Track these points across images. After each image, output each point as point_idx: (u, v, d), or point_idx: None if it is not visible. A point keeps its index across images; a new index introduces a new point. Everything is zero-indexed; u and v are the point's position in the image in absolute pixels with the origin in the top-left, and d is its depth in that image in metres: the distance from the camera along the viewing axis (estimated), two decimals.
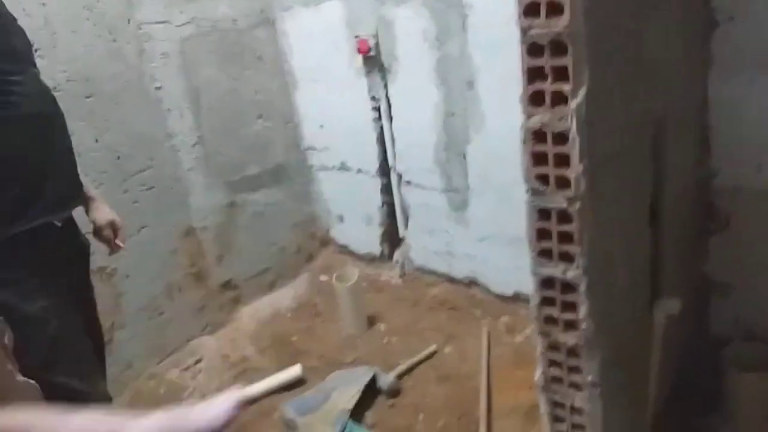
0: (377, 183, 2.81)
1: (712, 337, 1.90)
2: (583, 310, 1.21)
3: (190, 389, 2.44)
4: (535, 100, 1.11)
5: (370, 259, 3.06)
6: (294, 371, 2.36)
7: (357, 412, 2.11)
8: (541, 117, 1.11)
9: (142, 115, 2.40)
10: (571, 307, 1.24)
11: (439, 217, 2.61)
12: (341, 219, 3.10)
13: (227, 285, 2.80)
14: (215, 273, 2.75)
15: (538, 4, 1.03)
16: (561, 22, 1.01)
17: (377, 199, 2.84)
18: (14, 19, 1.41)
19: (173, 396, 2.40)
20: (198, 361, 2.60)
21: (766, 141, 1.64)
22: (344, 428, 2.01)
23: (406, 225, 2.83)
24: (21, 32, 1.43)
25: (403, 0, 2.32)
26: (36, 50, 2.06)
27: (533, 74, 1.10)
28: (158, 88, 2.44)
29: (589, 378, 1.27)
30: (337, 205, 3.09)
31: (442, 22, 2.23)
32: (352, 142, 2.82)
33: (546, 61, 1.06)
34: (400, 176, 2.71)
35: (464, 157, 2.38)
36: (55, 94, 2.10)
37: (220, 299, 2.78)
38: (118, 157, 2.35)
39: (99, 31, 2.21)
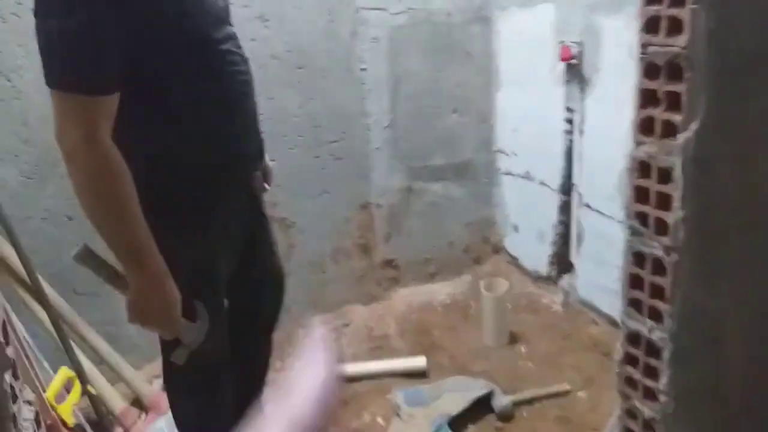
0: (556, 199, 2.65)
1: None
2: (664, 380, 1.03)
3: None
4: (645, 127, 0.97)
5: (536, 278, 2.92)
6: (419, 362, 2.39)
7: (461, 422, 2.07)
8: (649, 147, 0.96)
9: (344, 92, 2.63)
10: (653, 372, 1.06)
11: (612, 249, 2.37)
12: (516, 229, 3.00)
13: (389, 263, 2.94)
14: (381, 249, 2.90)
15: (659, 19, 0.89)
16: (679, 42, 0.86)
17: (553, 216, 2.69)
18: None
19: None
20: (345, 325, 2.79)
21: None
22: (439, 431, 1.99)
23: (578, 250, 2.63)
24: None
25: (617, 9, 2.13)
26: (266, 20, 2.42)
27: (647, 98, 0.96)
28: (363, 69, 2.64)
29: None
30: (514, 214, 3.00)
31: None
32: (539, 151, 2.70)
33: (661, 85, 0.92)
34: (580, 196, 2.52)
35: None
36: (273, 61, 2.47)
37: (380, 275, 2.93)
38: (316, 126, 2.61)
39: (320, 10, 2.48)
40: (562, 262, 2.76)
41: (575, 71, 2.39)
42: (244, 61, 1.40)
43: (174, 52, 1.19)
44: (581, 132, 2.44)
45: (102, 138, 1.08)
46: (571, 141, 2.52)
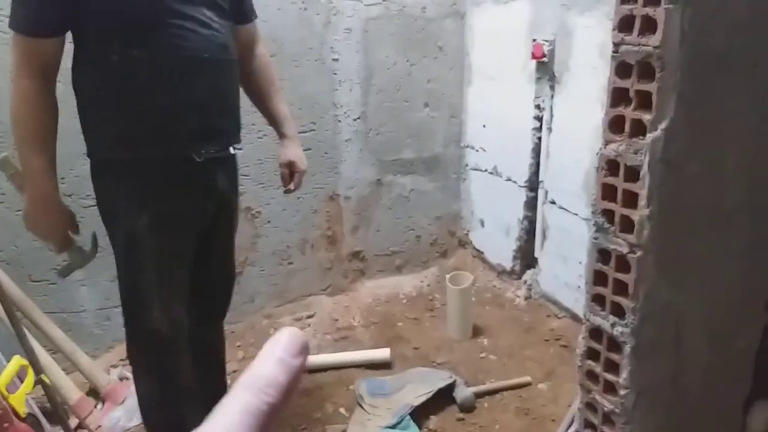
0: (523, 195, 2.69)
1: None
2: (624, 375, 1.05)
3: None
4: (615, 125, 0.98)
5: (500, 272, 2.95)
6: (382, 354, 2.40)
7: (422, 413, 2.09)
8: (618, 146, 0.98)
9: (315, 82, 2.60)
10: (614, 367, 1.08)
11: (575, 245, 2.42)
12: (482, 223, 3.03)
13: (356, 256, 2.93)
14: (348, 241, 2.89)
15: (633, 18, 0.90)
16: (652, 41, 0.87)
17: (519, 211, 2.72)
18: None
19: None
20: (310, 316, 2.77)
21: None
22: (400, 422, 2.00)
23: (542, 246, 2.67)
24: None
25: (589, 8, 2.17)
26: None
27: (618, 96, 0.97)
28: (335, 60, 2.62)
29: None
30: (481, 209, 3.03)
31: None
32: (508, 147, 2.73)
33: (632, 83, 0.93)
34: (546, 193, 2.56)
35: None
36: None
37: (346, 267, 2.92)
38: None
39: None
40: (527, 257, 2.80)
41: (546, 69, 2.42)
42: (207, 42, 1.44)
43: (116, 17, 1.32)
44: (549, 130, 2.48)
45: (28, 73, 1.30)
46: (539, 138, 2.56)
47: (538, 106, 2.52)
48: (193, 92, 1.45)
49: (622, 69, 0.94)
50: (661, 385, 1.10)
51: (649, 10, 0.87)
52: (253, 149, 2.48)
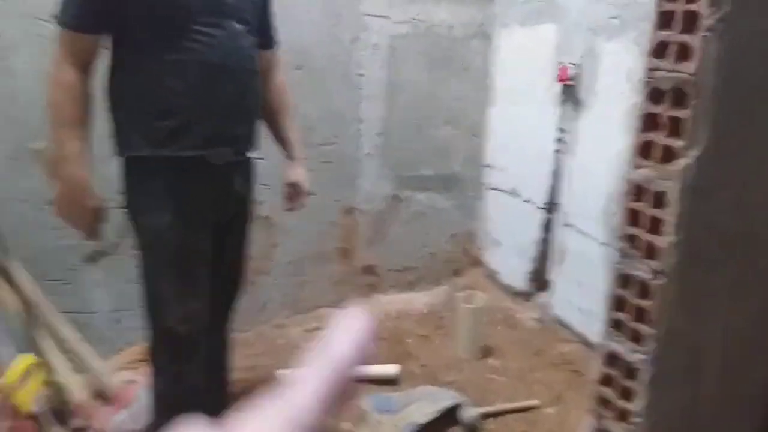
0: (540, 217, 2.68)
1: None
2: (639, 404, 1.04)
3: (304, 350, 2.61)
4: (644, 151, 0.98)
5: (514, 293, 2.93)
6: (391, 370, 2.38)
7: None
8: (647, 171, 0.97)
9: (340, 96, 2.62)
10: (628, 394, 1.07)
11: (592, 270, 2.40)
12: (498, 243, 3.02)
13: (369, 270, 2.93)
14: (362, 255, 2.89)
15: (668, 44, 0.91)
16: (687, 68, 0.87)
17: (535, 233, 2.71)
18: None
19: (288, 350, 2.60)
20: (320, 329, 2.77)
21: None
22: None
23: (557, 269, 2.65)
24: None
25: (615, 34, 2.17)
26: None
27: (649, 122, 0.97)
28: (361, 75, 2.64)
29: None
30: (497, 229, 3.02)
31: None
32: (528, 168, 2.73)
33: (665, 110, 0.93)
34: (564, 215, 2.55)
35: None
36: None
37: (359, 281, 2.92)
38: (308, 127, 2.59)
39: (325, 13, 2.47)
40: (540, 280, 2.78)
41: (571, 92, 2.42)
42: (233, 52, 1.53)
43: (150, 25, 1.41)
44: (572, 153, 2.47)
45: (66, 65, 1.40)
46: (560, 161, 2.55)
47: (561, 129, 2.52)
48: (216, 97, 1.52)
49: (654, 95, 0.94)
50: (676, 417, 1.08)
51: (685, 37, 0.87)
52: (275, 159, 2.49)
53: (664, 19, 0.91)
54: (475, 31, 2.85)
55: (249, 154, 1.72)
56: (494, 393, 2.32)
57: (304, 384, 0.28)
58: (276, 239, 2.68)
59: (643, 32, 2.03)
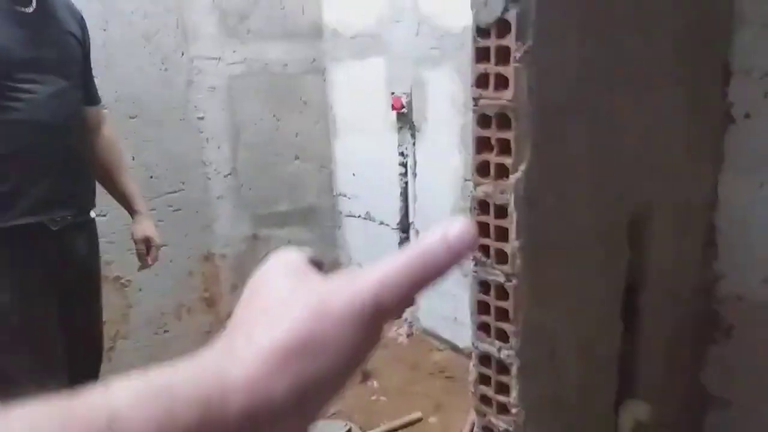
0: (396, 237, 2.81)
1: None
2: (513, 394, 1.15)
3: None
4: (482, 170, 1.10)
5: None
6: None
7: None
8: (486, 188, 1.09)
9: (181, 141, 2.56)
10: (504, 388, 1.18)
11: (448, 281, 2.56)
12: (361, 268, 3.11)
13: None
14: (227, 301, 2.82)
15: (488, 76, 1.04)
16: (505, 96, 1.01)
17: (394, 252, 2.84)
18: (68, 33, 1.53)
19: None
20: None
21: None
22: None
23: None
24: (67, 46, 1.53)
25: (437, 63, 2.38)
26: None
27: (481, 144, 1.09)
28: (200, 118, 2.60)
29: None
30: (358, 254, 3.12)
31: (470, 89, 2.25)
32: (378, 193, 2.86)
33: (493, 133, 1.05)
34: (417, 233, 2.70)
35: None
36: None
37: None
38: (152, 176, 2.49)
39: (153, 59, 2.41)
40: None
41: (406, 119, 2.59)
42: (57, 107, 1.46)
43: None
44: (414, 175, 2.64)
45: None
46: (406, 183, 2.71)
47: (402, 153, 2.68)
48: (46, 158, 1.45)
49: (482, 120, 1.07)
50: (545, 401, 1.21)
51: (500, 69, 1.00)
52: (118, 215, 2.35)
53: (482, 54, 1.05)
54: (309, 67, 2.94)
55: (88, 214, 1.66)
56: (378, 414, 2.38)
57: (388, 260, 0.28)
58: (131, 299, 2.53)
59: (461, 60, 2.26)
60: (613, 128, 1.24)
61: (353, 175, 3.01)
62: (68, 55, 1.55)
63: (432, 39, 2.38)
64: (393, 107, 2.57)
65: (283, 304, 0.27)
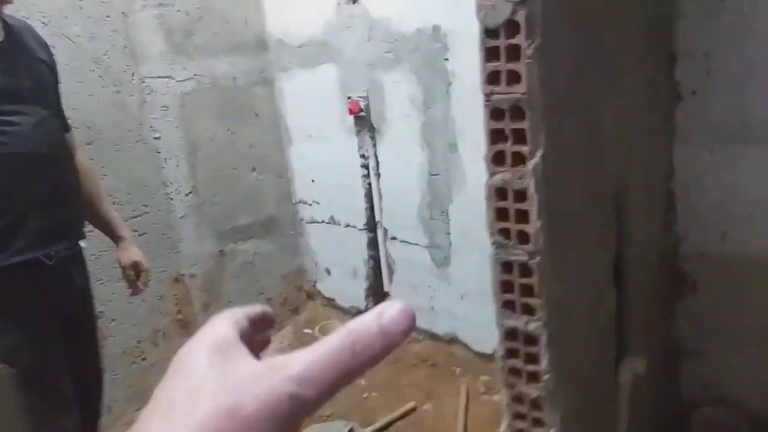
0: (364, 237, 2.88)
1: (682, 401, 1.92)
2: (544, 362, 1.25)
3: None
4: (497, 159, 1.19)
5: (355, 313, 3.08)
6: None
7: None
8: (503, 176, 1.19)
9: (140, 163, 2.50)
10: (533, 359, 1.28)
11: (422, 272, 2.67)
12: (328, 272, 3.15)
13: None
14: (201, 321, 2.77)
15: (500, 72, 1.13)
16: (519, 90, 1.10)
17: (363, 253, 2.90)
18: (39, 60, 1.50)
19: None
20: None
21: (728, 209, 1.72)
22: None
23: (390, 280, 2.88)
24: (40, 74, 1.50)
25: (393, 66, 2.46)
26: None
27: (496, 136, 1.18)
28: (157, 138, 2.55)
29: (552, 431, 1.30)
30: (324, 259, 3.15)
31: (428, 88, 2.36)
32: (341, 197, 2.91)
33: (506, 125, 1.15)
34: (385, 231, 2.78)
35: (447, 216, 2.46)
36: None
37: None
38: (113, 202, 2.41)
39: (104, 83, 2.34)
40: (378, 294, 2.99)
41: (364, 122, 2.66)
42: (43, 138, 1.44)
43: None
44: (378, 175, 2.71)
45: None
46: (369, 184, 2.78)
47: (363, 156, 2.75)
48: (35, 189, 1.43)
49: (495, 113, 1.16)
50: (566, 366, 1.33)
51: (512, 65, 1.10)
52: (87, 244, 2.28)
53: (491, 54, 1.14)
54: (257, 79, 2.94)
55: (78, 245, 1.64)
56: (373, 410, 2.44)
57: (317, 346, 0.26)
58: (105, 331, 2.44)
59: (416, 62, 2.36)
60: (598, 116, 1.38)
61: (312, 181, 3.04)
62: (43, 83, 1.52)
63: (385, 43, 2.46)
64: (351, 111, 2.63)
65: (194, 396, 0.26)
